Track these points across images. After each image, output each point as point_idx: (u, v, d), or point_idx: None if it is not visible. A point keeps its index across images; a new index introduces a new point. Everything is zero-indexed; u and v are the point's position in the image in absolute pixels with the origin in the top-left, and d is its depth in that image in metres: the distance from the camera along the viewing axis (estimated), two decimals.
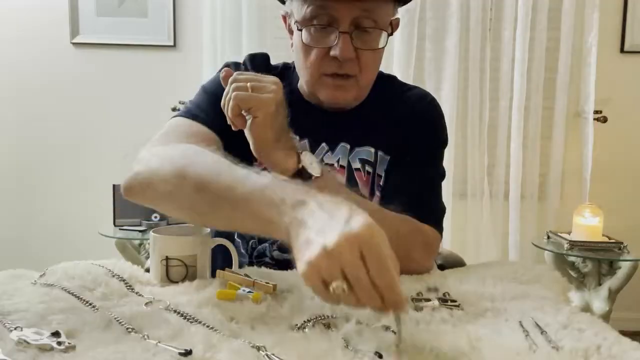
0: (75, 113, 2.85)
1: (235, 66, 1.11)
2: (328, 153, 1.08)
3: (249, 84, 0.83)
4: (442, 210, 1.07)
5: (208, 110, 1.01)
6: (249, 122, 0.86)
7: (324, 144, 1.08)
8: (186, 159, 0.81)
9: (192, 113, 1.02)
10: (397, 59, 2.63)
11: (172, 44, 2.80)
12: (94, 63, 2.85)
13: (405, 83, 1.18)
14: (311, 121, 1.08)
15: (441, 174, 1.11)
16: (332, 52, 0.98)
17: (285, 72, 1.13)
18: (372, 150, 1.07)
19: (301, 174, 0.86)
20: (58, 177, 2.84)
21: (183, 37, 2.81)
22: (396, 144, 1.07)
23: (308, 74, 1.03)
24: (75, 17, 2.80)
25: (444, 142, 1.14)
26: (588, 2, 2.61)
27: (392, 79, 1.17)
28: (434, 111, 1.13)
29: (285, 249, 1.05)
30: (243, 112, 0.84)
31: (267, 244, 1.06)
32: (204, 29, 2.68)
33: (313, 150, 1.08)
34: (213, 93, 1.03)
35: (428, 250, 0.97)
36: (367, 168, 1.07)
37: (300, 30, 1.00)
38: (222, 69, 1.11)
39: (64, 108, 2.86)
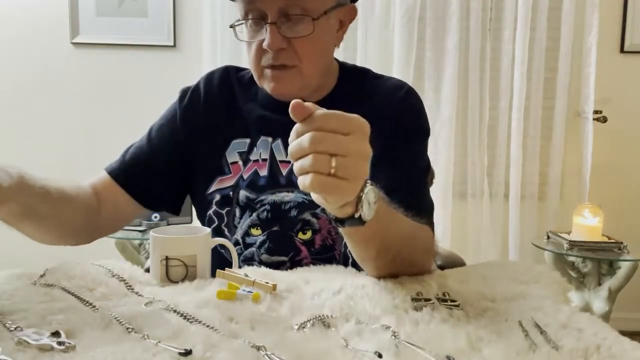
0: (75, 113, 2.85)
1: (183, 93, 1.13)
2: None
3: (333, 164, 0.63)
4: (431, 205, 1.04)
5: (141, 155, 1.09)
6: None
7: None
8: None
9: (112, 167, 1.09)
10: (397, 58, 2.63)
11: (172, 44, 2.80)
12: (94, 63, 2.85)
13: (380, 75, 1.13)
14: (282, 119, 1.07)
15: (427, 166, 1.08)
16: (263, 44, 0.98)
17: None
18: None
19: (354, 219, 0.72)
20: (57, 176, 2.84)
21: (183, 37, 2.81)
22: (375, 138, 1.03)
23: (253, 69, 1.04)
24: (75, 17, 2.80)
25: (426, 132, 1.09)
26: (588, 2, 2.61)
27: (364, 71, 1.14)
28: (413, 101, 1.08)
29: (273, 251, 1.05)
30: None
31: (254, 249, 1.05)
32: (204, 29, 2.69)
33: (287, 148, 1.07)
34: (157, 138, 1.10)
35: (432, 253, 0.97)
36: None
37: (233, 27, 1.02)
38: (178, 95, 1.14)
39: (63, 108, 2.86)
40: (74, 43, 2.82)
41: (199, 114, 1.10)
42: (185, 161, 1.10)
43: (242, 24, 1.01)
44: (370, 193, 0.72)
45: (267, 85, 1.03)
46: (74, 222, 0.98)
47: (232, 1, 1.05)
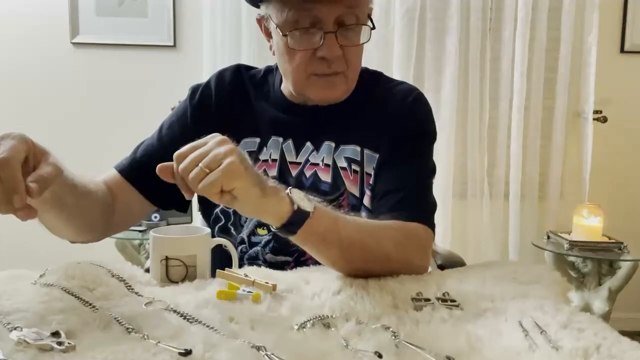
0: (75, 113, 2.85)
1: (193, 92, 1.13)
2: (313, 152, 1.07)
3: (201, 165, 0.74)
4: (433, 206, 1.05)
5: (151, 152, 1.08)
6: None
7: (308, 143, 1.07)
8: None
9: (122, 165, 1.08)
10: (397, 59, 2.63)
11: (172, 44, 2.80)
12: (94, 63, 2.84)
13: (391, 79, 1.16)
14: (295, 121, 1.08)
15: (431, 169, 1.10)
16: (319, 53, 0.98)
17: (269, 75, 1.15)
18: (358, 148, 1.06)
19: (297, 214, 0.80)
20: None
21: (183, 37, 2.81)
22: (384, 141, 1.05)
23: (296, 76, 1.03)
24: (75, 17, 2.80)
25: (432, 136, 1.12)
26: (588, 2, 2.61)
27: (377, 75, 1.16)
28: (421, 106, 1.11)
29: (278, 251, 1.06)
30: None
31: (259, 248, 1.05)
32: (204, 29, 2.69)
33: (298, 150, 1.08)
34: (168, 135, 1.10)
35: (423, 250, 0.97)
36: (354, 167, 1.06)
37: (285, 35, 0.99)
38: (188, 92, 1.14)
39: (63, 108, 2.86)
40: (74, 43, 2.82)
41: (210, 112, 1.10)
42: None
43: (293, 30, 0.98)
44: (294, 191, 0.81)
45: (313, 91, 1.04)
46: (93, 217, 0.97)
47: (255, 7, 1.05)
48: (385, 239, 0.90)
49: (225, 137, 0.78)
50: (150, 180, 1.06)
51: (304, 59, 1.00)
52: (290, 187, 0.82)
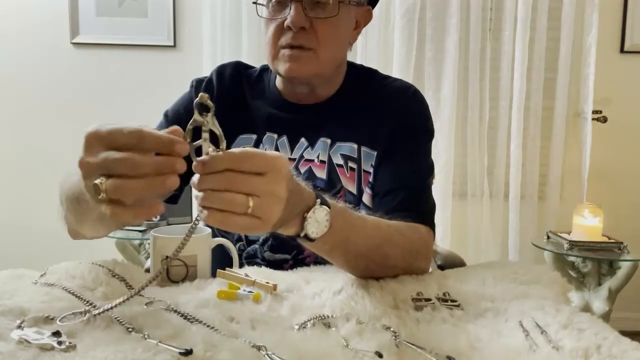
0: (75, 113, 2.85)
1: (198, 83, 1.13)
2: (308, 148, 1.07)
3: (250, 204, 0.61)
4: (433, 206, 1.05)
5: None
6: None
7: (303, 139, 1.07)
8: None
9: None
10: (397, 59, 2.63)
11: (172, 44, 2.80)
12: (94, 63, 2.85)
13: (386, 76, 1.16)
14: (289, 117, 1.09)
15: (430, 167, 1.09)
16: (285, 23, 0.99)
17: (264, 73, 1.15)
18: (355, 146, 1.06)
19: (301, 237, 0.73)
20: (58, 176, 2.84)
21: (183, 37, 2.82)
22: (382, 139, 1.05)
23: (268, 50, 1.04)
24: (75, 17, 2.80)
25: (430, 133, 1.11)
26: (588, 2, 2.61)
27: (372, 72, 1.16)
28: (418, 103, 1.11)
29: (276, 249, 1.06)
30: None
31: (257, 246, 1.06)
32: (204, 29, 2.69)
33: (292, 146, 1.07)
34: (174, 117, 1.10)
35: (427, 253, 0.97)
36: (350, 164, 1.06)
37: (262, 4, 1.02)
38: (191, 85, 1.13)
39: (63, 108, 2.86)
40: (74, 43, 2.82)
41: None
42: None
43: (263, 3, 1.02)
44: (320, 212, 0.72)
45: (281, 66, 1.03)
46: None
47: None
48: (394, 249, 0.88)
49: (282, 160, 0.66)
50: None
51: (276, 31, 1.01)
52: (316, 206, 0.71)
